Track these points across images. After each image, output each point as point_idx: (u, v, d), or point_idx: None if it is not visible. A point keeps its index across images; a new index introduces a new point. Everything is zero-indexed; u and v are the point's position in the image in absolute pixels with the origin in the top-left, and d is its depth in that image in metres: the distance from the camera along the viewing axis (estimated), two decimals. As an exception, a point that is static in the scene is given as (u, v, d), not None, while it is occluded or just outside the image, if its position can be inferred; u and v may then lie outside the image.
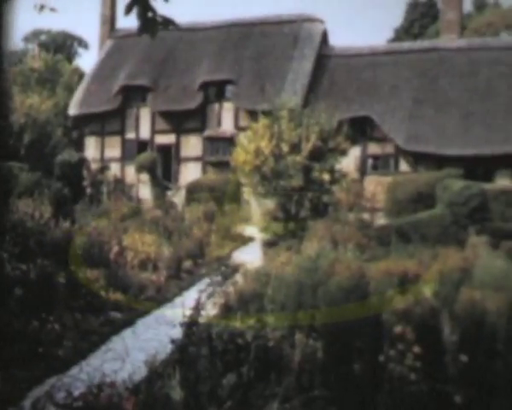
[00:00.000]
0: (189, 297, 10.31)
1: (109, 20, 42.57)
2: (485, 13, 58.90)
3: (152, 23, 5.70)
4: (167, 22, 5.75)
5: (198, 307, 8.81)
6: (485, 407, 7.24)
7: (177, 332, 8.81)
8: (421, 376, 7.25)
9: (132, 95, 38.79)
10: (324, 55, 37.03)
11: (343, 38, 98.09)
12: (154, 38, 5.81)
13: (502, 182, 30.53)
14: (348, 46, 37.97)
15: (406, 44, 40.16)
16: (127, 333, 11.92)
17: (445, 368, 7.41)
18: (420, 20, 62.86)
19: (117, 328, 12.03)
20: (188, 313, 8.76)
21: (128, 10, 5.62)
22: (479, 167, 30.81)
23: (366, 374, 7.57)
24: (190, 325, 8.55)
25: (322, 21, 38.39)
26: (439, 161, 31.58)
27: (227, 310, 9.49)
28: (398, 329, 7.42)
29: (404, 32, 63.12)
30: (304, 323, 8.25)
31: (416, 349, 7.26)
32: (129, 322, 12.55)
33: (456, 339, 7.42)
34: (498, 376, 7.32)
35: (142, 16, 5.67)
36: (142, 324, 12.66)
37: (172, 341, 8.61)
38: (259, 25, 38.96)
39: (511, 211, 25.59)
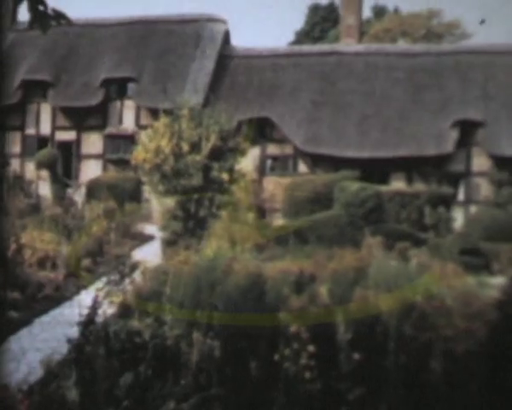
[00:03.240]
0: (88, 296, 10.20)
1: (10, 12, 41.58)
2: (384, 19, 60.27)
3: (43, 17, 5.50)
4: (59, 17, 5.55)
5: (95, 306, 8.75)
6: (377, 404, 7.46)
7: (75, 332, 8.73)
8: (316, 374, 7.40)
9: (33, 90, 37.90)
10: (226, 56, 37.18)
11: (245, 39, 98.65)
12: (45, 32, 5.53)
13: (396, 184, 31.41)
14: (250, 47, 38.25)
15: (306, 47, 40.88)
16: (24, 333, 11.73)
17: (339, 366, 7.59)
18: (321, 23, 63.77)
19: (13, 328, 11.82)
20: (85, 312, 8.69)
21: (18, 1, 5.39)
22: (375, 170, 31.53)
23: (262, 373, 7.69)
24: (87, 324, 8.49)
25: (224, 22, 38.54)
26: (336, 163, 32.14)
27: (125, 309, 9.46)
28: (293, 328, 7.55)
29: (304, 36, 63.89)
30: (201, 322, 8.31)
31: (311, 348, 7.40)
32: (26, 322, 12.32)
33: (350, 338, 7.61)
34: (389, 373, 7.56)
35: (33, 9, 5.45)
36: (39, 323, 12.45)
37: (69, 340, 8.53)
38: (162, 23, 38.76)
39: (405, 212, 26.34)
